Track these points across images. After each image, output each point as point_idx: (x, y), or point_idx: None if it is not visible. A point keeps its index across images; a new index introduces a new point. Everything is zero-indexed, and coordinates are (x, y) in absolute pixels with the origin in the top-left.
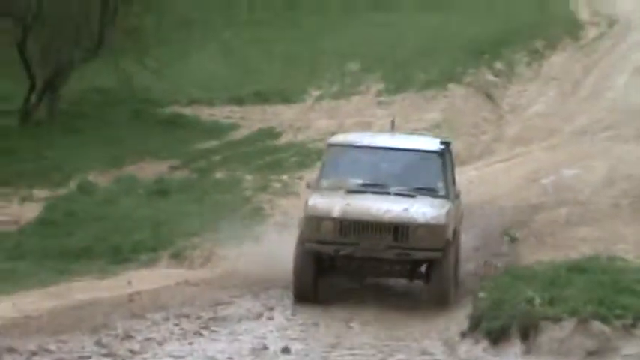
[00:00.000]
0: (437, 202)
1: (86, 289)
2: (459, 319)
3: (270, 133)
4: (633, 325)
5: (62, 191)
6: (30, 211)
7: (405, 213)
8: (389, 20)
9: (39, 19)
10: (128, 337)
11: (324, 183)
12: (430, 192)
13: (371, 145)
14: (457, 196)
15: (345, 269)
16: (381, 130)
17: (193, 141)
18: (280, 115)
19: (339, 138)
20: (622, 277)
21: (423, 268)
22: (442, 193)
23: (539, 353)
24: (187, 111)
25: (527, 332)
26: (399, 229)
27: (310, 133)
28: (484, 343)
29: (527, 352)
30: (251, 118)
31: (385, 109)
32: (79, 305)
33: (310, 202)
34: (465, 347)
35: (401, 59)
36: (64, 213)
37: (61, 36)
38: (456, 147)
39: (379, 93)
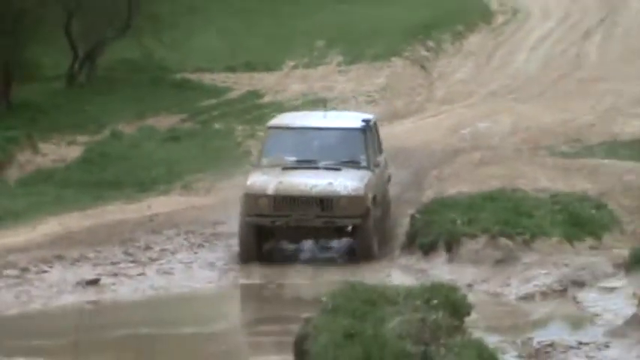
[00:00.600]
0: (358, 173)
1: (116, 212)
2: (398, 237)
3: (256, 94)
4: (531, 241)
5: (98, 137)
6: (73, 152)
7: (329, 187)
8: (347, 9)
9: (81, 6)
10: (148, 248)
11: (264, 161)
12: (353, 164)
13: (303, 125)
14: (378, 165)
15: (281, 236)
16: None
17: (197, 100)
18: (264, 81)
19: (276, 121)
20: (522, 204)
21: (349, 228)
22: (364, 164)
23: (460, 262)
24: (193, 77)
25: (451, 246)
26: (324, 201)
27: (287, 94)
28: (418, 255)
29: (450, 260)
30: (241, 83)
31: (344, 76)
32: (111, 224)
33: (249, 182)
34: (403, 258)
35: (356, 38)
36: (100, 154)
37: (97, 19)
38: (397, 105)
39: (339, 64)
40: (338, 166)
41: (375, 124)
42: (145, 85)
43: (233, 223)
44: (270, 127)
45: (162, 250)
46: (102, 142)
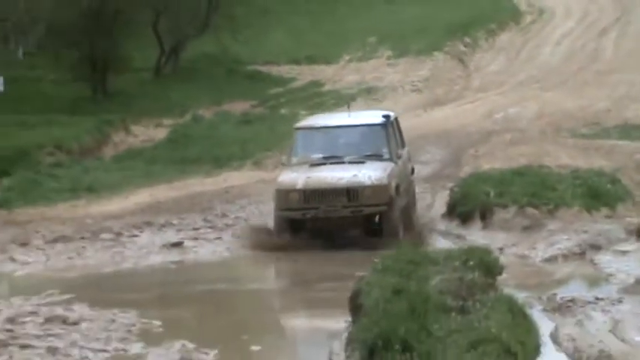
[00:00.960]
0: (382, 165)
1: (197, 184)
2: (438, 207)
3: (317, 84)
4: (554, 210)
5: (181, 121)
6: (160, 133)
7: (354, 178)
8: (395, 9)
9: (167, 7)
10: (224, 215)
11: (294, 160)
12: (377, 157)
13: (327, 125)
14: (400, 157)
15: (313, 227)
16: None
17: (266, 89)
18: (323, 72)
19: (303, 123)
20: (547, 179)
21: (376, 218)
22: (386, 156)
23: (493, 228)
24: (263, 69)
25: (485, 214)
26: (350, 192)
27: (343, 84)
28: (456, 222)
29: (484, 227)
30: (304, 74)
31: (392, 69)
32: (193, 195)
33: (280, 179)
34: (443, 225)
35: (403, 35)
36: (182, 134)
37: (180, 18)
38: (438, 93)
39: (388, 57)
40: (362, 160)
41: (396, 120)
42: (221, 76)
43: None
44: (298, 129)
45: (236, 217)
46: (184, 125)
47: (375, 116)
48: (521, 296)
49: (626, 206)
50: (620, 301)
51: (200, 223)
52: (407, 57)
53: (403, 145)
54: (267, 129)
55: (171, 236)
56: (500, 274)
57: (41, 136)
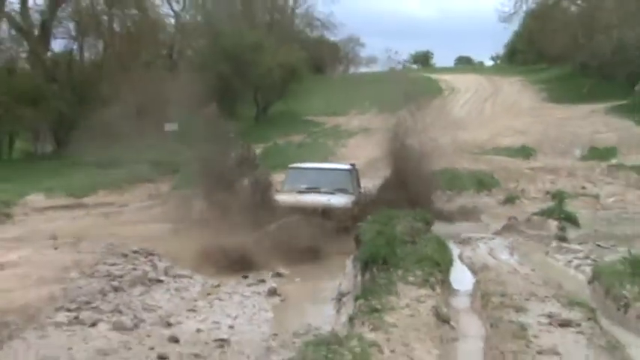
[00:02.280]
0: (346, 196)
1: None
2: None
3: (337, 126)
4: (460, 191)
5: (268, 145)
6: (257, 149)
7: (328, 202)
8: (377, 87)
9: (261, 86)
10: None
11: (286, 187)
12: (343, 190)
13: (311, 167)
14: (360, 192)
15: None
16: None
17: (311, 128)
18: (340, 120)
19: (294, 165)
20: (457, 175)
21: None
22: (350, 191)
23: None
24: (309, 118)
25: None
26: (325, 211)
27: (350, 126)
28: None
29: None
30: (330, 121)
31: (375, 118)
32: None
33: (277, 197)
34: None
35: (382, 101)
36: (269, 152)
37: (269, 92)
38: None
39: (373, 113)
40: (333, 192)
41: (356, 169)
42: (288, 122)
43: None
44: (290, 168)
45: None
46: (269, 147)
47: (344, 165)
48: (442, 235)
49: (497, 189)
50: (493, 239)
51: None
52: (386, 113)
53: (359, 186)
54: (312, 149)
55: None
56: (431, 223)
57: None
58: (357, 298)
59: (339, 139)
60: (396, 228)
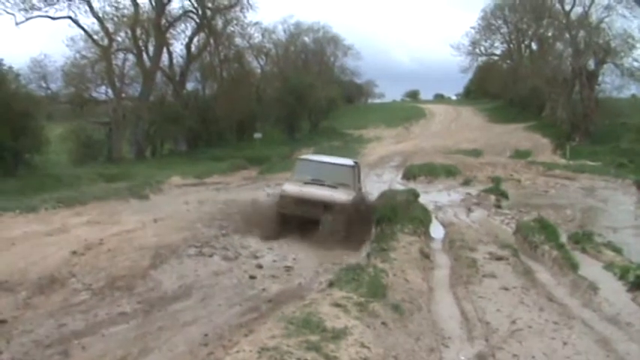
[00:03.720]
0: (347, 191)
1: None
2: (398, 178)
3: (362, 136)
4: (436, 177)
5: (316, 148)
6: (311, 149)
7: (330, 196)
8: (386, 113)
9: (313, 110)
10: None
11: (294, 178)
12: (345, 185)
13: (318, 160)
14: (360, 189)
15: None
16: (382, 136)
17: (346, 137)
18: (363, 132)
19: (303, 156)
20: (433, 167)
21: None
22: (351, 186)
23: (416, 183)
24: (344, 131)
25: (415, 178)
26: (326, 205)
27: (369, 135)
28: (405, 180)
29: (414, 182)
30: (357, 133)
31: (385, 132)
32: None
33: (283, 187)
34: (401, 182)
35: (389, 121)
36: (319, 151)
37: (317, 113)
38: (399, 139)
39: (384, 128)
40: (336, 185)
41: (359, 165)
42: (331, 133)
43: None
44: (299, 159)
45: None
46: (318, 148)
47: (348, 161)
48: (425, 204)
49: (459, 176)
50: (458, 206)
51: None
52: (390, 128)
53: (360, 182)
54: (345, 152)
55: None
56: (418, 197)
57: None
58: (372, 242)
59: (362, 143)
60: (396, 199)
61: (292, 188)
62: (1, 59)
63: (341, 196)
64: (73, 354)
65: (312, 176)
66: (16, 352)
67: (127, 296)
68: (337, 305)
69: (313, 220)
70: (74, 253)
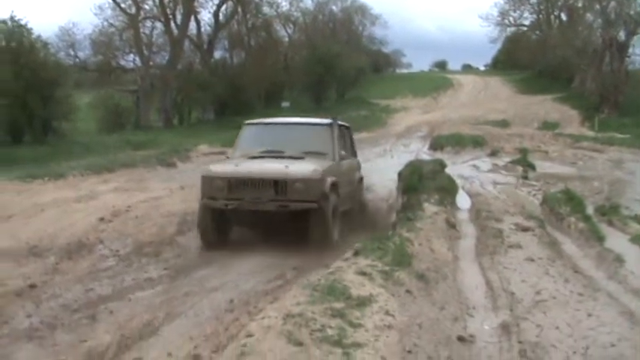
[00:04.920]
0: (319, 161)
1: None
2: (426, 148)
3: (389, 105)
4: (464, 147)
5: (344, 116)
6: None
7: (284, 170)
8: (413, 83)
9: (343, 79)
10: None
11: (237, 153)
12: (317, 154)
13: (275, 122)
14: (343, 158)
15: (238, 221)
16: (409, 106)
17: (373, 107)
18: (390, 102)
19: (250, 121)
20: (461, 137)
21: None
22: (328, 155)
23: (444, 153)
24: (371, 100)
25: (442, 148)
26: (278, 184)
27: (396, 105)
28: (432, 150)
29: (441, 152)
30: (384, 102)
31: (412, 102)
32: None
33: (208, 167)
34: (428, 152)
35: (416, 91)
36: (345, 120)
37: (344, 82)
38: (427, 110)
39: (411, 98)
40: (302, 156)
41: (347, 128)
42: (358, 102)
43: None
44: (246, 124)
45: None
46: (345, 118)
47: (322, 119)
48: (452, 174)
49: (486, 146)
50: (485, 177)
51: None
52: (417, 98)
53: (354, 155)
54: (371, 120)
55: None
56: (445, 167)
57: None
58: (398, 212)
59: (389, 113)
60: (423, 169)
61: (224, 165)
62: (30, 28)
63: (303, 168)
64: (100, 318)
65: (265, 146)
66: (45, 315)
67: (154, 262)
68: (362, 273)
69: (261, 214)
70: (102, 219)
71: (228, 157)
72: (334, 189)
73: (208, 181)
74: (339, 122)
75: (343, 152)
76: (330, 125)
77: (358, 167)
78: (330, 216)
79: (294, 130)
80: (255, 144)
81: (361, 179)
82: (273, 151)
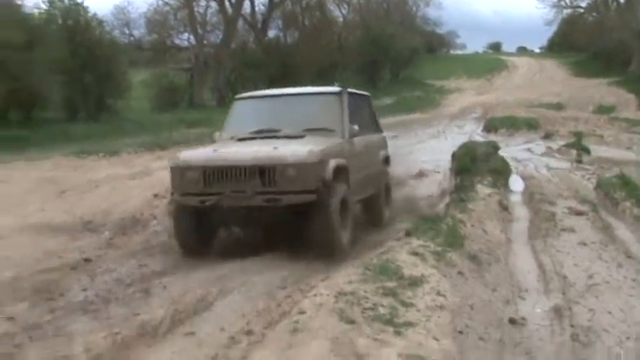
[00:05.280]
0: (323, 139)
1: (407, 116)
2: (479, 130)
3: (443, 86)
4: (517, 129)
5: (398, 98)
6: (390, 101)
7: (272, 153)
8: (468, 64)
9: (397, 60)
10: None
11: (224, 135)
12: (322, 131)
13: (270, 94)
14: (354, 135)
15: (219, 220)
16: (463, 88)
17: (426, 87)
18: (444, 82)
19: (242, 95)
20: (515, 119)
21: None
22: (336, 132)
23: (497, 135)
24: (426, 81)
25: (496, 130)
26: (265, 172)
27: (450, 86)
28: (486, 132)
29: (495, 134)
30: (439, 83)
31: (466, 83)
32: (405, 120)
33: (180, 154)
34: (481, 134)
35: (470, 72)
36: (400, 101)
37: (398, 62)
38: (480, 91)
39: (465, 79)
40: (302, 134)
41: (365, 97)
42: (412, 83)
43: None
44: (237, 99)
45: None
46: (399, 98)
47: (329, 88)
48: (505, 157)
49: (540, 129)
50: (539, 160)
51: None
52: (472, 79)
53: (376, 129)
54: (425, 101)
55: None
56: (498, 149)
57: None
58: (451, 193)
59: (443, 94)
60: (477, 150)
61: (199, 152)
62: (86, 6)
63: (296, 149)
64: (154, 292)
65: (259, 125)
66: (99, 289)
67: None
68: (414, 253)
69: (249, 212)
70: (155, 195)
71: (215, 141)
72: (341, 175)
73: (178, 172)
74: (353, 90)
75: (356, 127)
76: (338, 95)
77: (382, 144)
78: (335, 211)
79: (294, 102)
80: (246, 123)
81: (387, 158)
82: (268, 130)
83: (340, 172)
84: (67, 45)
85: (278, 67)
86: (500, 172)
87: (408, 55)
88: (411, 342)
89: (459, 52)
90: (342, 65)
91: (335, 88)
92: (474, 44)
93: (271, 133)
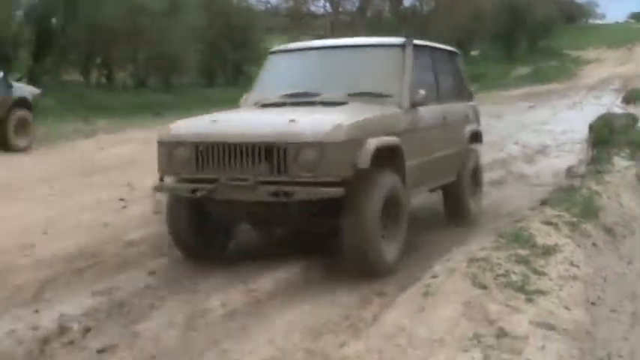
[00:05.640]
0: (366, 109)
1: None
2: (617, 101)
3: (581, 57)
4: None
5: (535, 67)
6: (529, 69)
7: (284, 127)
8: (608, 35)
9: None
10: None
11: (252, 98)
12: (374, 97)
13: (311, 46)
14: (424, 102)
15: (218, 214)
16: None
17: (563, 57)
18: (581, 53)
19: (277, 48)
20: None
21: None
22: (392, 96)
23: (635, 107)
24: (563, 51)
25: (635, 101)
26: (273, 153)
27: (588, 57)
28: (624, 104)
29: (634, 107)
30: (576, 54)
31: (607, 54)
32: (547, 91)
33: (171, 124)
34: (620, 105)
35: (610, 43)
36: (537, 71)
37: (536, 32)
38: (621, 61)
39: (605, 49)
40: (345, 101)
41: (449, 54)
42: (549, 53)
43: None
44: (271, 53)
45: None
46: (537, 68)
47: (393, 39)
48: None
49: None
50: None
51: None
52: (612, 49)
53: (464, 96)
54: (562, 70)
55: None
56: (637, 121)
57: None
58: (587, 164)
59: (580, 65)
60: (614, 122)
61: (192, 123)
62: None
63: (321, 122)
64: (292, 250)
65: (293, 87)
66: (239, 245)
67: None
68: (548, 223)
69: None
70: None
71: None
72: (389, 159)
73: (165, 149)
74: (428, 43)
75: (423, 92)
76: (400, 48)
77: (468, 116)
78: (373, 212)
79: (341, 57)
80: (279, 84)
81: (475, 134)
82: (303, 94)
83: (387, 155)
84: (205, 14)
85: (414, 36)
86: (639, 145)
87: (544, 24)
88: (543, 310)
89: (599, 21)
90: (478, 34)
91: (397, 40)
92: (614, 13)
93: (306, 98)
